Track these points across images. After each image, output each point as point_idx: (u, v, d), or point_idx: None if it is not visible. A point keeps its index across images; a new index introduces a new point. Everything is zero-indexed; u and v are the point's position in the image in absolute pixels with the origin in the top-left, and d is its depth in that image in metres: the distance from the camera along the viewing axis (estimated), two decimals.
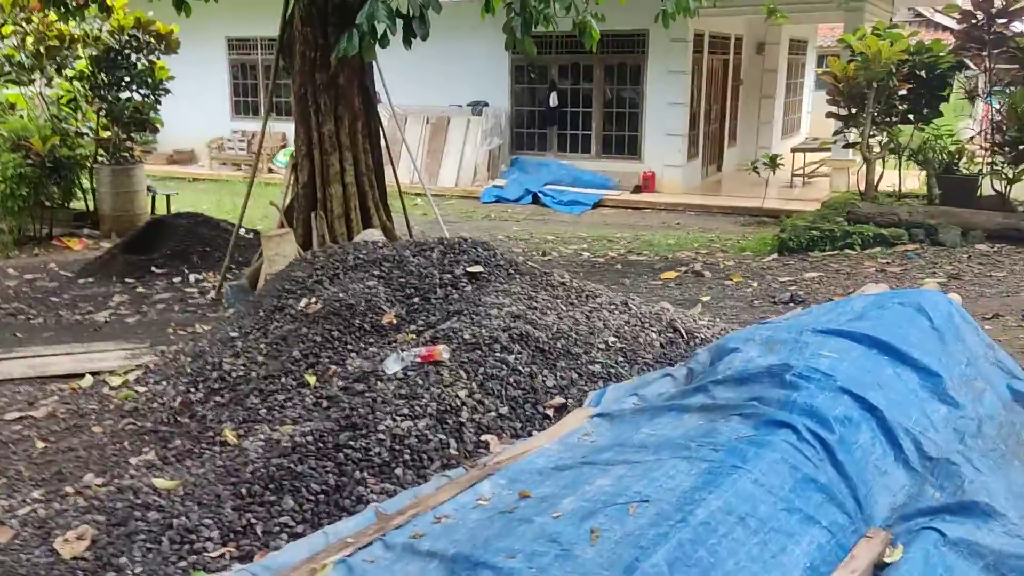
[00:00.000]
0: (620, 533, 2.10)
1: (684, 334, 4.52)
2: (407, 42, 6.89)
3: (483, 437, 3.32)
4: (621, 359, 4.03)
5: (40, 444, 4.09)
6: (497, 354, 3.67)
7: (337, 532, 2.55)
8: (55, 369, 5.22)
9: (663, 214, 13.15)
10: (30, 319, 7.26)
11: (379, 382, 3.52)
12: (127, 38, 11.13)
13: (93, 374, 5.10)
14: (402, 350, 3.65)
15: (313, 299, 4.47)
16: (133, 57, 11.28)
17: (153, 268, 9.07)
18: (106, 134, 11.34)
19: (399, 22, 6.53)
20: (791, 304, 6.54)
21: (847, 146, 11.28)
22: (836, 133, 11.19)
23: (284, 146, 16.42)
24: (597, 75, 14.33)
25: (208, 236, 9.52)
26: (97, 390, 4.85)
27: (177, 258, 9.27)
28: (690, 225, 12.06)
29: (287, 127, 16.49)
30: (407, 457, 3.15)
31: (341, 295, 4.41)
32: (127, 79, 11.13)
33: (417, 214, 12.98)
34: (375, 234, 7.90)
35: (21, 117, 11.29)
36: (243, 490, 3.04)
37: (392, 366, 3.56)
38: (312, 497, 3.00)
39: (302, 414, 3.55)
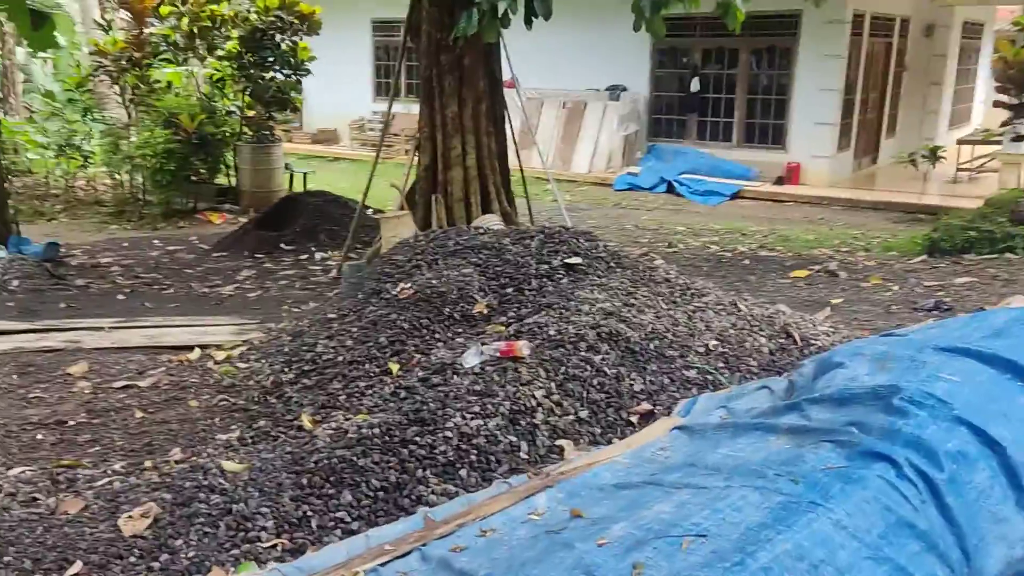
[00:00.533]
0: (666, 572, 1.84)
1: (798, 341, 4.13)
2: (528, 22, 6.71)
3: (558, 442, 3.11)
4: (721, 365, 3.72)
5: (139, 414, 4.19)
6: (582, 353, 3.44)
7: (380, 536, 2.41)
8: (169, 340, 5.37)
9: (806, 208, 12.42)
10: (163, 289, 7.57)
11: (455, 376, 3.36)
12: (272, 19, 11.46)
13: (202, 347, 5.22)
14: (483, 343, 3.48)
15: (407, 284, 4.37)
16: (277, 38, 11.60)
17: (282, 244, 9.32)
18: (250, 113, 11.75)
19: (520, 0, 6.35)
20: (934, 312, 5.94)
21: (1017, 139, 10.26)
22: (1004, 124, 10.19)
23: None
24: (743, 59, 13.66)
25: (337, 215, 9.68)
26: (202, 363, 4.95)
27: (305, 236, 9.47)
28: (834, 220, 11.32)
29: None
30: (473, 458, 2.98)
31: (434, 281, 4.29)
32: (271, 59, 11.47)
33: (547, 200, 12.84)
34: (492, 219, 7.78)
35: (177, 95, 11.84)
36: (304, 480, 2.95)
37: (470, 360, 3.39)
38: (371, 494, 2.88)
39: (378, 403, 3.44)
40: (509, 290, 4.26)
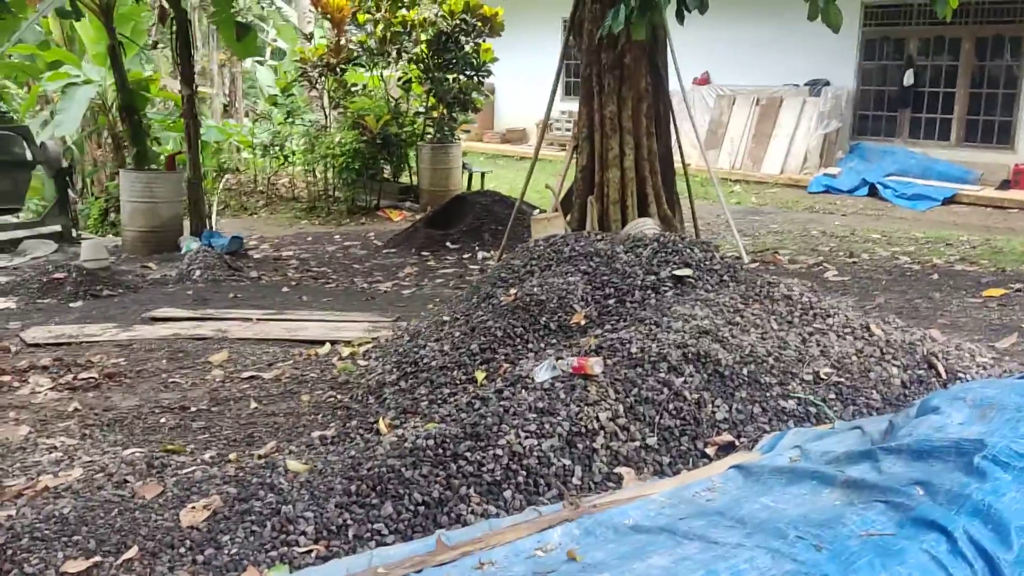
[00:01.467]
0: None
1: (943, 373, 3.61)
2: (680, 16, 6.37)
3: (617, 469, 2.88)
4: (832, 397, 3.30)
5: (253, 405, 4.36)
6: (661, 374, 3.17)
7: (385, 557, 2.32)
8: (305, 334, 5.58)
9: None
10: (326, 283, 7.93)
11: (523, 390, 3.21)
12: (457, 22, 11.72)
13: (333, 342, 5.38)
14: (558, 358, 3.29)
15: (513, 290, 4.25)
16: (462, 40, 11.85)
17: (448, 243, 9.51)
18: (434, 114, 12.11)
19: None
20: None
21: None
22: None
23: None
24: (965, 49, 12.36)
25: (503, 215, 9.72)
26: (328, 359, 5.09)
27: (471, 235, 9.61)
28: None
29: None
30: (521, 479, 2.82)
31: (536, 289, 4.14)
32: (453, 61, 11.73)
33: (732, 202, 12.26)
34: (647, 223, 7.50)
35: (369, 98, 12.41)
36: (353, 487, 2.92)
37: (542, 374, 3.22)
38: (412, 508, 2.79)
39: (452, 413, 3.35)
40: (611, 301, 4.03)
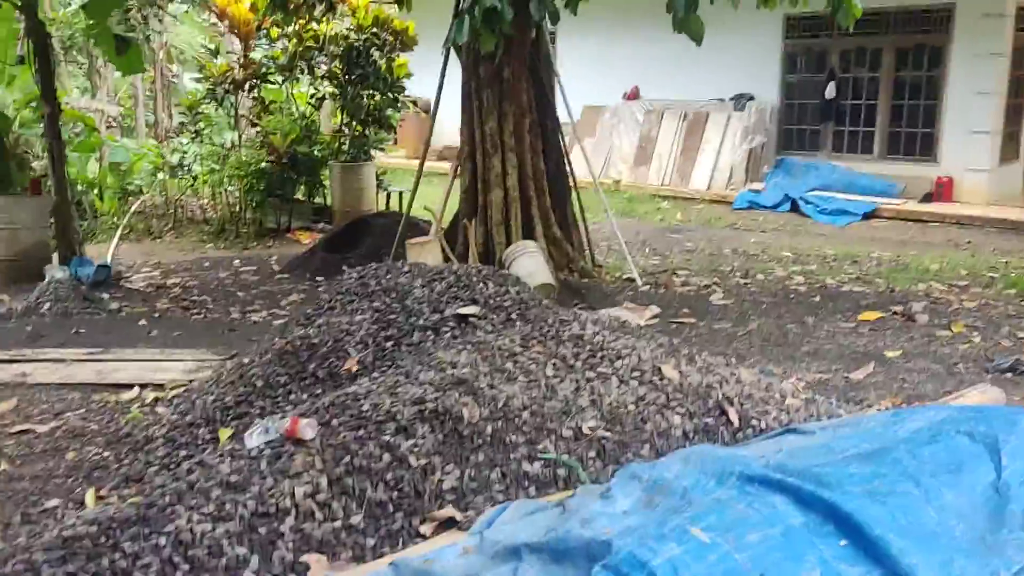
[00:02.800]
0: None
1: (736, 420, 3.23)
2: (554, 17, 6.00)
3: (305, 557, 2.46)
4: (593, 455, 2.91)
5: (2, 466, 3.91)
6: (386, 437, 2.76)
7: None
8: (118, 376, 5.13)
9: (953, 230, 10.79)
10: (196, 314, 7.46)
11: (231, 458, 2.79)
12: (367, 36, 11.34)
13: (144, 385, 4.94)
14: (274, 420, 2.88)
15: (290, 334, 3.84)
16: (374, 55, 11.47)
17: (345, 267, 9.04)
18: (346, 132, 11.70)
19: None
20: (1009, 373, 4.69)
21: None
22: None
23: None
24: (887, 60, 12.12)
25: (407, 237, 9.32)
26: (128, 406, 4.66)
27: (369, 257, 9.13)
28: (983, 246, 9.71)
29: None
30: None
31: (312, 331, 3.73)
32: (364, 77, 11.34)
33: (656, 220, 11.92)
34: (529, 246, 7.14)
35: (282, 115, 11.99)
36: None
37: (254, 439, 2.81)
38: None
39: (166, 483, 2.93)
40: (389, 344, 3.63)
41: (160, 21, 14.02)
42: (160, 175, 12.81)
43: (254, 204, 11.31)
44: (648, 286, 7.63)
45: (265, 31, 12.01)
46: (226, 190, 11.73)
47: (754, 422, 3.24)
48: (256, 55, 12.24)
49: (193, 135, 12.22)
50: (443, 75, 7.95)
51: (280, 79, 11.89)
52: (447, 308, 3.68)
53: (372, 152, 11.96)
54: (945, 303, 6.43)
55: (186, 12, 15.74)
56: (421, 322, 3.66)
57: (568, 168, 8.01)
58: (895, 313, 6.07)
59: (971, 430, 2.03)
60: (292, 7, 9.64)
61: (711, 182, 13.32)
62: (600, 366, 3.35)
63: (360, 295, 4.15)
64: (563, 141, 7.94)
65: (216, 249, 11.13)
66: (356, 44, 11.46)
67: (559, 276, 7.47)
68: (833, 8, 7.02)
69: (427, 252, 6.95)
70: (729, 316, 6.43)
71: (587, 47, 15.30)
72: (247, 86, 11.86)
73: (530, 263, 7.04)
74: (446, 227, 7.81)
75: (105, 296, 7.47)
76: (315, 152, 11.55)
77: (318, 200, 12.24)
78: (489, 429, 2.86)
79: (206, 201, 12.66)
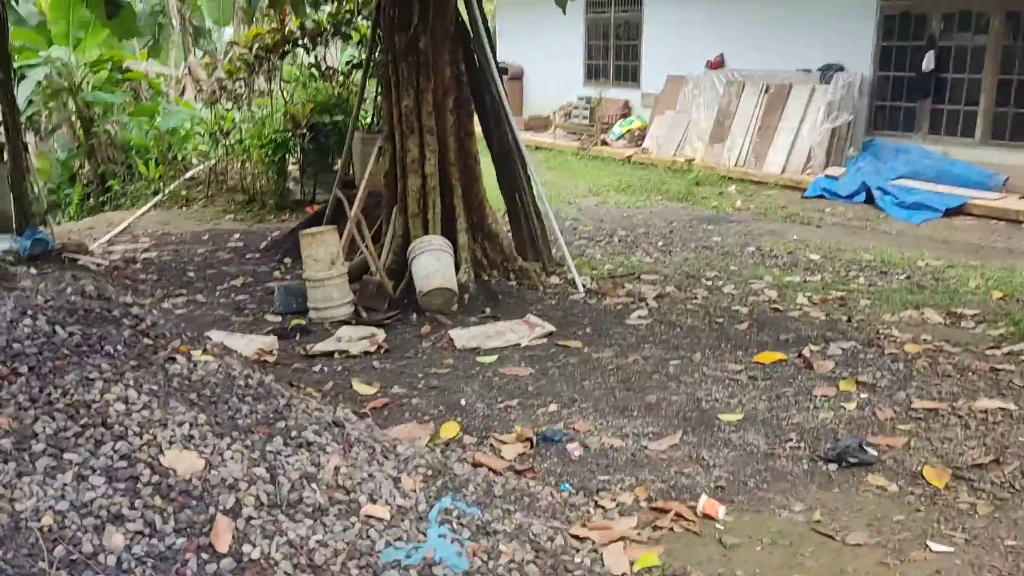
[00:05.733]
0: None
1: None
2: None
3: None
4: None
5: None
6: None
7: None
8: None
9: None
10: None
11: None
12: None
13: None
14: None
15: None
16: None
17: None
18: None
19: None
20: (834, 465, 3.43)
21: None
22: None
23: (625, 115, 14.85)
24: (995, 27, 10.02)
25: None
26: None
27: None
28: None
29: (630, 94, 14.93)
30: None
31: None
32: None
33: (710, 206, 10.59)
34: (433, 243, 6.30)
35: (304, 85, 11.62)
36: None
37: None
38: None
39: None
40: None
41: None
42: (197, 142, 12.84)
43: (276, 175, 11.03)
44: (587, 293, 6.57)
45: None
46: (252, 160, 11.53)
47: None
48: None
49: (233, 102, 12.09)
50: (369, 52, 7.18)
51: (310, 45, 11.45)
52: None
53: None
54: (894, 343, 4.99)
55: None
56: None
57: (516, 150, 7.00)
58: (800, 355, 4.76)
59: None
60: None
61: (786, 165, 11.69)
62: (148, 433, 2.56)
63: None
64: (508, 119, 6.94)
65: (233, 220, 10.98)
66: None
67: (480, 277, 6.59)
68: None
69: (320, 243, 6.26)
70: (624, 341, 5.35)
71: (673, 11, 13.89)
72: (280, 52, 11.53)
73: (430, 263, 6.21)
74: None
75: (21, 271, 7.33)
76: (338, 122, 11.05)
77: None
78: None
79: (247, 171, 12.55)
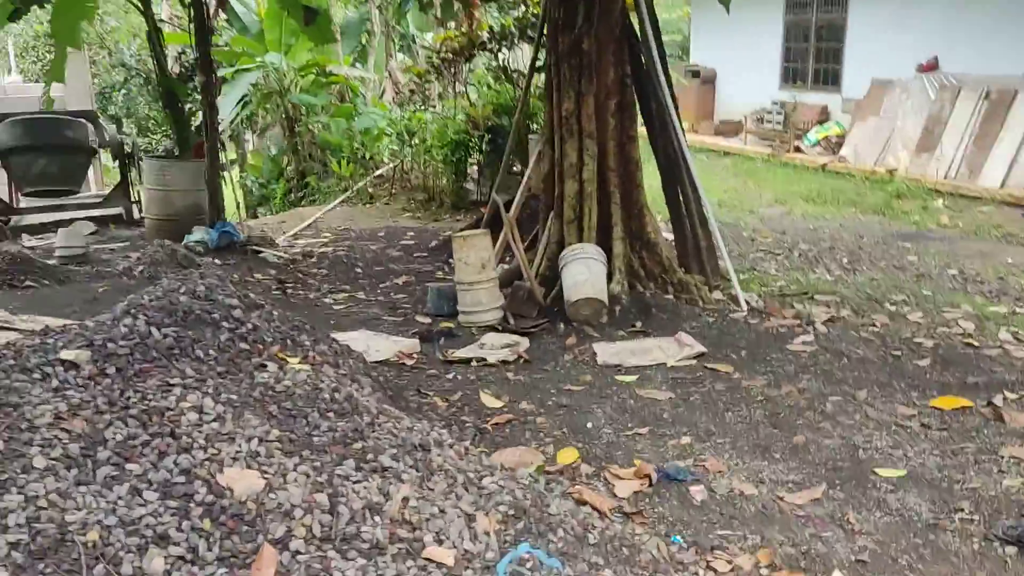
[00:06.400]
0: None
1: None
2: None
3: None
4: None
5: None
6: None
7: None
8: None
9: None
10: (295, 289, 7.36)
11: None
12: None
13: None
14: None
15: None
16: None
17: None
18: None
19: None
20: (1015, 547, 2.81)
21: None
22: None
23: (822, 121, 13.85)
24: None
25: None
26: None
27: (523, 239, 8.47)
28: None
29: (829, 99, 13.94)
30: None
31: None
32: None
33: (911, 220, 9.62)
34: (585, 251, 6.02)
35: (488, 87, 11.66)
36: None
37: None
38: None
39: None
40: None
41: None
42: (387, 143, 13.21)
43: (455, 175, 11.16)
44: (750, 312, 6.05)
45: None
46: (433, 161, 11.71)
47: None
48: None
49: (420, 104, 12.35)
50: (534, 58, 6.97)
51: (496, 47, 11.46)
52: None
53: None
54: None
55: None
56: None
57: (682, 156, 6.57)
58: (990, 403, 4.04)
59: None
60: None
61: (1006, 179, 10.42)
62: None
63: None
64: (675, 124, 6.51)
65: (411, 219, 11.19)
66: None
67: (635, 289, 6.22)
68: None
69: (470, 247, 6.14)
70: (781, 369, 4.84)
71: (883, 10, 12.78)
72: (467, 56, 11.64)
73: (580, 271, 5.93)
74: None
75: (205, 261, 7.73)
76: (511, 124, 11.00)
77: None
78: None
79: (428, 170, 12.80)
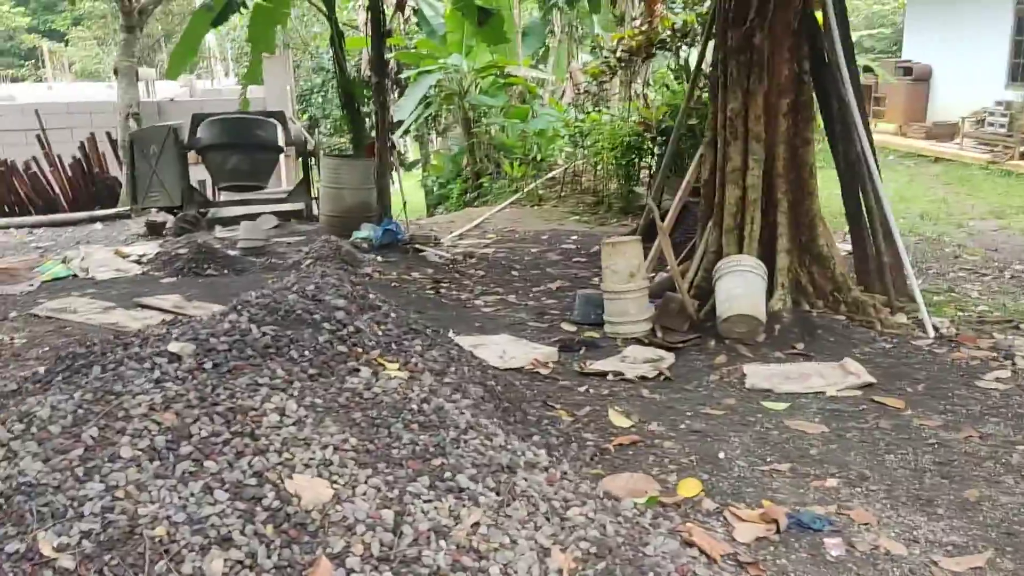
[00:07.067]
0: None
1: None
2: None
3: None
4: None
5: None
6: None
7: None
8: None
9: None
10: (449, 289, 7.36)
11: None
12: None
13: None
14: None
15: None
16: None
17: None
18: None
19: None
20: None
21: None
22: None
23: None
24: None
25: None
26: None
27: (677, 248, 8.10)
28: None
29: None
30: None
31: None
32: None
33: None
34: (743, 263, 5.60)
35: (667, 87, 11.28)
36: None
37: None
38: None
39: None
40: None
41: None
42: (561, 144, 13.10)
43: (624, 179, 10.88)
44: (938, 339, 5.39)
45: None
46: (604, 163, 11.47)
47: None
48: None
49: (595, 105, 12.15)
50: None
51: (676, 46, 11.06)
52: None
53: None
54: None
55: None
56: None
57: (865, 163, 5.96)
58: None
59: None
60: None
61: None
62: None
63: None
64: (859, 127, 5.91)
65: (578, 222, 11.01)
66: None
67: (799, 306, 5.70)
68: None
69: (619, 254, 5.85)
70: (964, 408, 4.23)
71: None
72: (644, 55, 11.32)
73: (736, 285, 5.50)
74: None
75: (367, 258, 7.87)
76: (693, 126, 10.54)
77: None
78: None
79: (599, 173, 12.57)
